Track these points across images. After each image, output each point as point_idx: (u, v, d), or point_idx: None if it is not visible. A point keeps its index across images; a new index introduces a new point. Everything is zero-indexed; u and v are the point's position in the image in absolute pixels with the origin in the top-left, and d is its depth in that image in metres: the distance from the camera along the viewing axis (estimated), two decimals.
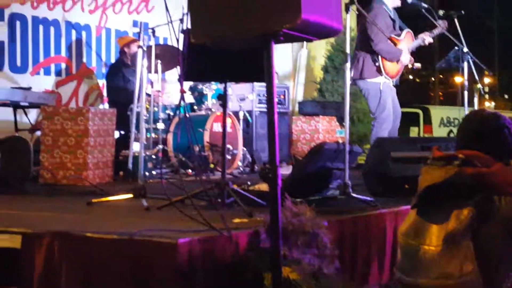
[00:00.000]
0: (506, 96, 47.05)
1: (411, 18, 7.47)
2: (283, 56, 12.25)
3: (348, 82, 5.44)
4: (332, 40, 11.92)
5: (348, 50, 5.44)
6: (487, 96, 44.94)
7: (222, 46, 3.97)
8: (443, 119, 14.67)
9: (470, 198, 2.83)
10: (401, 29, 7.64)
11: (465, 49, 7.13)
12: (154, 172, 7.32)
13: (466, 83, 7.21)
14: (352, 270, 4.49)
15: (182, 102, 4.22)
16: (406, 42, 7.48)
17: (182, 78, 4.35)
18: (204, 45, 3.70)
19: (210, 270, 3.51)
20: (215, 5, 3.48)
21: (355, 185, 5.62)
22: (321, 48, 12.57)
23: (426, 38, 7.53)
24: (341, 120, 10.20)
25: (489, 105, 39.72)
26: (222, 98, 5.08)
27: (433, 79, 42.51)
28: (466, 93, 7.19)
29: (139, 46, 5.52)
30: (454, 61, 7.35)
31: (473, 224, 2.77)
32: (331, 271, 3.66)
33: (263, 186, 5.25)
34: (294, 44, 12.15)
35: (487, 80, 41.68)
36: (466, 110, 7.24)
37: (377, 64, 7.23)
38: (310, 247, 3.74)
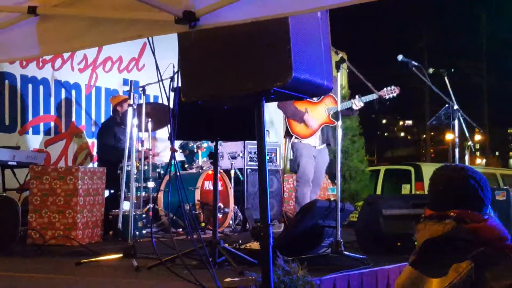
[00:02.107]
0: (497, 153, 47.31)
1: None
2: (275, 113, 12.27)
3: (340, 139, 5.43)
4: None
5: (339, 108, 5.45)
6: (478, 153, 45.17)
7: (213, 104, 3.99)
8: None
9: (468, 252, 2.83)
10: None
11: (456, 107, 7.15)
12: (144, 231, 7.25)
13: (456, 140, 7.21)
14: None
15: (172, 161, 4.19)
16: (324, 105, 7.52)
17: (173, 136, 4.33)
18: (195, 103, 3.71)
19: None
20: (205, 65, 3.50)
21: (347, 242, 5.60)
22: None
23: (356, 103, 7.45)
24: (333, 178, 10.19)
25: (480, 162, 39.90)
26: (213, 156, 5.06)
27: (424, 136, 42.76)
28: (457, 150, 7.19)
29: (129, 105, 5.53)
30: (444, 119, 7.35)
31: (471, 277, 2.75)
32: None
33: (254, 245, 5.20)
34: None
35: (477, 137, 41.99)
36: None
37: (286, 124, 7.54)
38: None
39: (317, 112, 7.52)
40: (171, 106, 4.16)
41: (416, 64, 7.21)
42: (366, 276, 4.69)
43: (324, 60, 3.58)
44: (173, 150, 4.21)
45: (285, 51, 3.23)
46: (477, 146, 44.66)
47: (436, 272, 2.88)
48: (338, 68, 5.33)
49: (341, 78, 5.56)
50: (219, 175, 8.19)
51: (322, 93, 3.69)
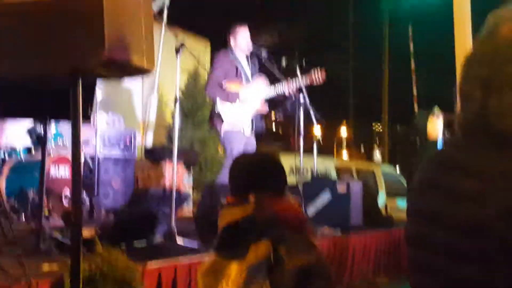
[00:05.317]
0: (362, 147, 48.85)
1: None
2: (133, 100, 12.11)
3: (177, 126, 5.37)
4: (182, 86, 11.88)
5: (178, 94, 5.38)
6: (344, 146, 46.56)
7: (30, 84, 3.81)
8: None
9: (267, 234, 2.85)
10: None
11: (301, 98, 7.26)
12: None
13: (301, 131, 7.34)
14: None
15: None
16: (256, 88, 7.37)
17: None
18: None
19: None
20: (17, 42, 3.32)
21: (189, 231, 5.58)
22: (172, 93, 12.50)
23: (289, 86, 7.33)
24: (188, 167, 10.12)
25: (346, 155, 41.06)
26: (41, 139, 4.86)
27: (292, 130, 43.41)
28: (301, 140, 7.33)
29: None
30: (290, 109, 7.46)
31: (270, 258, 2.77)
32: None
33: (86, 232, 5.06)
34: (145, 88, 12.05)
35: (344, 130, 43.19)
36: (302, 157, 7.37)
37: (216, 110, 7.15)
38: None
39: (251, 96, 7.28)
40: None
41: (265, 54, 7.28)
42: (195, 264, 4.65)
43: (146, 41, 3.49)
44: None
45: (98, 29, 3.10)
46: (344, 140, 46.14)
47: (235, 255, 2.88)
48: (177, 52, 5.27)
49: (180, 63, 5.46)
50: (68, 161, 8.00)
51: (143, 73, 3.60)
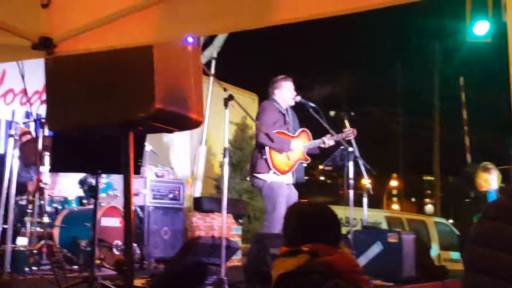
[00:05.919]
0: (413, 199, 48.18)
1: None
2: (181, 151, 12.23)
3: (226, 177, 5.40)
4: (230, 137, 11.96)
5: (226, 145, 5.43)
6: (394, 199, 46.00)
7: (82, 134, 3.91)
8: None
9: (322, 285, 2.83)
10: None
11: (350, 149, 7.24)
12: (35, 268, 7.01)
13: (351, 182, 7.30)
14: None
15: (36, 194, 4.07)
16: (301, 140, 7.43)
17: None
18: (64, 133, 3.63)
19: None
20: (70, 93, 3.42)
21: (239, 282, 5.55)
22: (220, 145, 12.62)
23: (327, 140, 7.33)
24: (237, 217, 10.13)
25: (397, 208, 40.53)
26: (94, 190, 4.95)
27: (340, 180, 43.11)
28: (351, 192, 7.28)
29: (10, 135, 5.36)
30: (339, 160, 7.44)
31: None
32: None
33: (138, 282, 5.10)
34: (194, 140, 12.17)
35: (394, 183, 42.72)
36: (351, 208, 7.32)
37: (264, 157, 7.14)
38: None
39: (296, 146, 7.30)
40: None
41: (313, 105, 7.31)
42: None
43: (194, 94, 3.57)
44: (38, 181, 4.09)
45: (149, 81, 3.20)
46: (395, 192, 45.60)
47: None
48: (226, 105, 5.33)
49: (229, 115, 5.49)
50: (118, 211, 8.09)
51: (193, 126, 3.67)
